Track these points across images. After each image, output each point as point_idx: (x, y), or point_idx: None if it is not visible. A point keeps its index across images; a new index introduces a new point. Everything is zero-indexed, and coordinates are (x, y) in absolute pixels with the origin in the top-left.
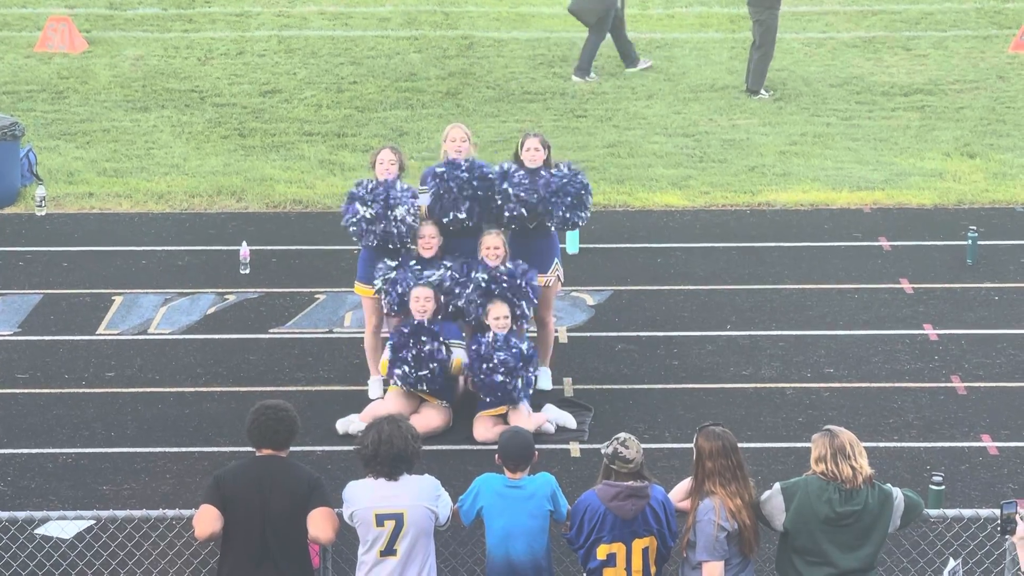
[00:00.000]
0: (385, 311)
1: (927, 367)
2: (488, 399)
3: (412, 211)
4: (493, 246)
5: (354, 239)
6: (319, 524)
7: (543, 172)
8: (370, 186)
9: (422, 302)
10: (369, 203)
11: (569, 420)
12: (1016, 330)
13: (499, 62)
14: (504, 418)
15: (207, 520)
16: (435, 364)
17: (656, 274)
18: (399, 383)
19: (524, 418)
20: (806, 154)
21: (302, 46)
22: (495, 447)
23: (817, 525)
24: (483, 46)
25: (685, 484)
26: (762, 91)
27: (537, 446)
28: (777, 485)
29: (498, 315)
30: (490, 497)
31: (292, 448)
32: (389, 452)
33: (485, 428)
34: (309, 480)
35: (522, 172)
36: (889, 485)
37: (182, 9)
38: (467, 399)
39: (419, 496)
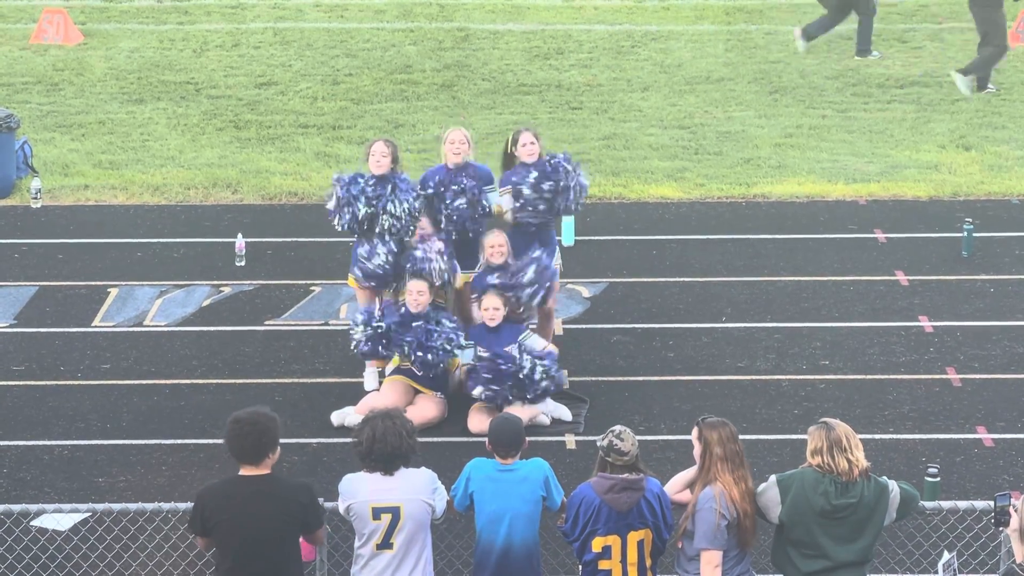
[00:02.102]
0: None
1: (922, 359)
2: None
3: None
4: (497, 244)
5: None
6: (316, 539)
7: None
8: (371, 182)
9: (415, 295)
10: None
11: (564, 412)
12: (1011, 322)
13: (494, 54)
14: (499, 410)
15: (204, 545)
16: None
17: (652, 266)
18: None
19: (518, 408)
20: (801, 146)
21: (297, 38)
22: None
23: (813, 518)
24: (478, 38)
25: (682, 476)
26: (989, 85)
27: (532, 438)
28: (773, 477)
29: (488, 306)
30: (481, 481)
31: (288, 441)
32: (384, 451)
33: (480, 420)
34: (301, 502)
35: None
36: (885, 478)
37: (177, 1)
38: (463, 391)
39: (416, 489)
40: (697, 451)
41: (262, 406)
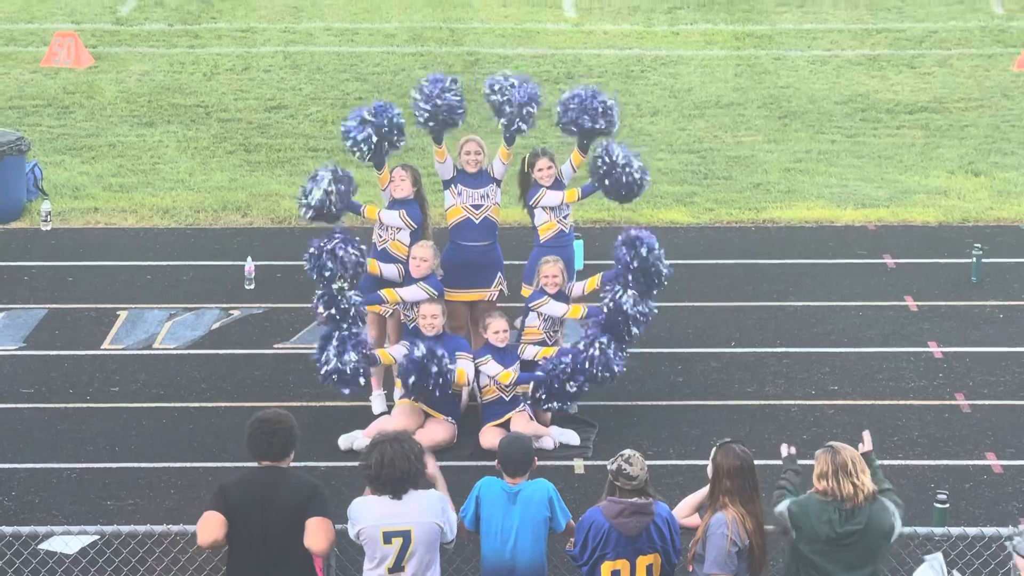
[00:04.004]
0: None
1: (931, 384)
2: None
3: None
4: (552, 274)
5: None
6: (313, 534)
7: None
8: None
9: (429, 319)
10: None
11: (572, 436)
12: (1021, 348)
13: None
14: (507, 426)
15: (211, 526)
16: (442, 380)
17: (661, 290)
18: (410, 397)
19: (525, 422)
20: (811, 171)
21: (308, 62)
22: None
23: (819, 546)
24: (488, 62)
25: (691, 499)
26: None
27: (541, 462)
28: (783, 504)
29: (498, 329)
30: (488, 501)
31: (295, 463)
32: (392, 475)
33: (493, 435)
34: (308, 489)
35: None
36: (892, 506)
37: (188, 25)
38: (472, 414)
39: (425, 512)
40: (711, 474)
41: (281, 410)
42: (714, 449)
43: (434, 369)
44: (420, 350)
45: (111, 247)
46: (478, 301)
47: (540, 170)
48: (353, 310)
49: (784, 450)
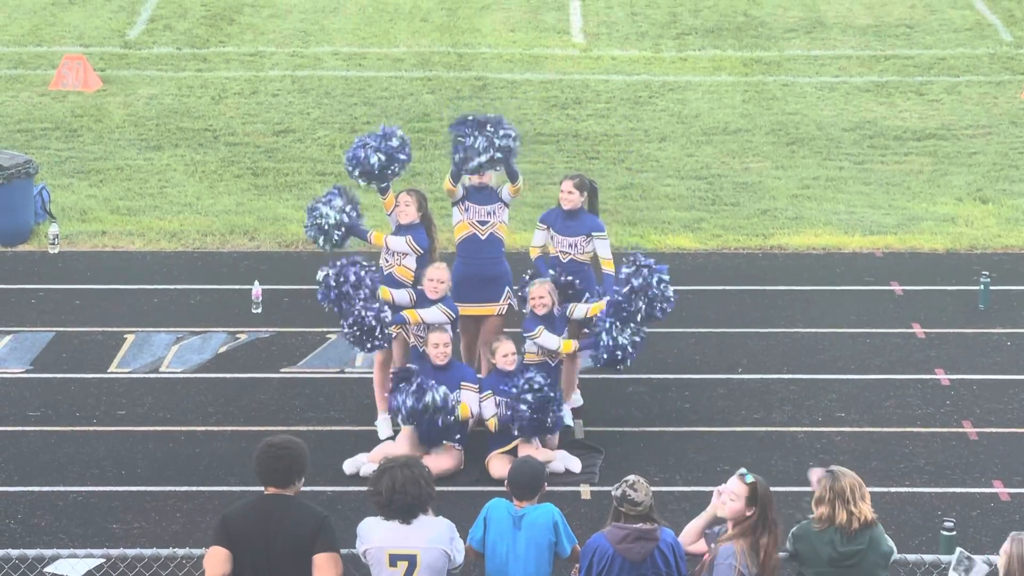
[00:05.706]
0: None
1: (939, 412)
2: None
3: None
4: (538, 295)
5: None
6: (321, 571)
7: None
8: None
9: (442, 347)
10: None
11: (574, 464)
12: None
13: (512, 103)
14: (515, 453)
15: (217, 561)
16: (448, 415)
17: (668, 317)
18: (405, 423)
19: (531, 449)
20: (818, 198)
21: (316, 86)
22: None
23: (822, 568)
24: (496, 87)
25: (695, 525)
26: None
27: (549, 488)
28: (791, 532)
29: (506, 352)
30: (495, 523)
31: (302, 488)
32: (403, 501)
33: (501, 465)
34: (315, 520)
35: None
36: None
37: (196, 49)
38: (478, 441)
39: (433, 539)
40: (738, 507)
41: (293, 436)
42: (744, 486)
43: (440, 420)
44: (429, 402)
45: (118, 270)
46: (487, 316)
47: (562, 192)
48: (379, 328)
49: (813, 477)
